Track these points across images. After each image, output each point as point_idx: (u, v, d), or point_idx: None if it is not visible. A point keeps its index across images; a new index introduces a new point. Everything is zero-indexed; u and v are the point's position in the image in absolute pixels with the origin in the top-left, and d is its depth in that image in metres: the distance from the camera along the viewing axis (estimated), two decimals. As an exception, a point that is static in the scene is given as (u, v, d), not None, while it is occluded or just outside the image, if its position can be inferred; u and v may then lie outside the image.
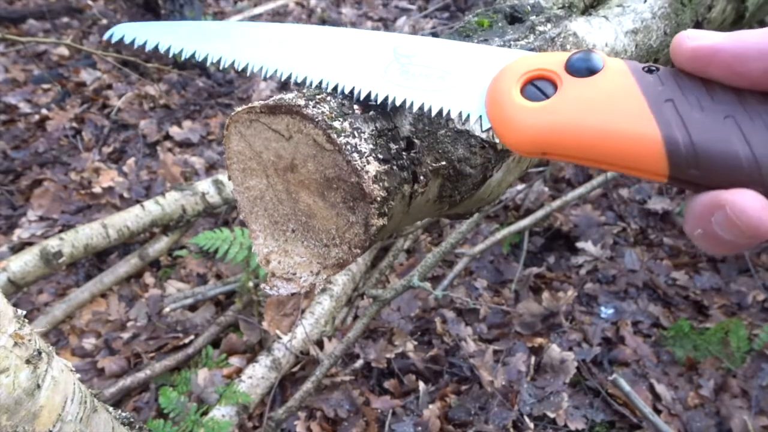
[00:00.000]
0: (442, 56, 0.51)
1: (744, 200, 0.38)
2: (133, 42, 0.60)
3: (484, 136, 0.60)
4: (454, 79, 0.50)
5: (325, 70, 0.52)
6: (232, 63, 0.56)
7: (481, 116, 0.48)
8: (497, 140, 0.62)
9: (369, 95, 0.51)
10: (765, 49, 0.38)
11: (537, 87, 0.45)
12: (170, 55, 0.59)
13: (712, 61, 0.40)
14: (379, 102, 0.51)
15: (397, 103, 0.50)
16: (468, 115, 0.49)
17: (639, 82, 0.42)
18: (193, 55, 0.57)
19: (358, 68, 0.52)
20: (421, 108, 0.50)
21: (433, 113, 0.49)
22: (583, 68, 0.44)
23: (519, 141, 0.45)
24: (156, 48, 0.58)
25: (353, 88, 0.51)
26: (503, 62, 0.49)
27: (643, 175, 0.42)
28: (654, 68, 0.43)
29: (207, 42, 0.58)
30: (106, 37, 0.63)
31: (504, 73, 0.48)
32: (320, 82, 0.52)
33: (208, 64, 0.55)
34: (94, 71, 3.93)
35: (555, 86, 0.45)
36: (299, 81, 0.53)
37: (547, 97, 0.44)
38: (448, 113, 0.49)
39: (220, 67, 0.56)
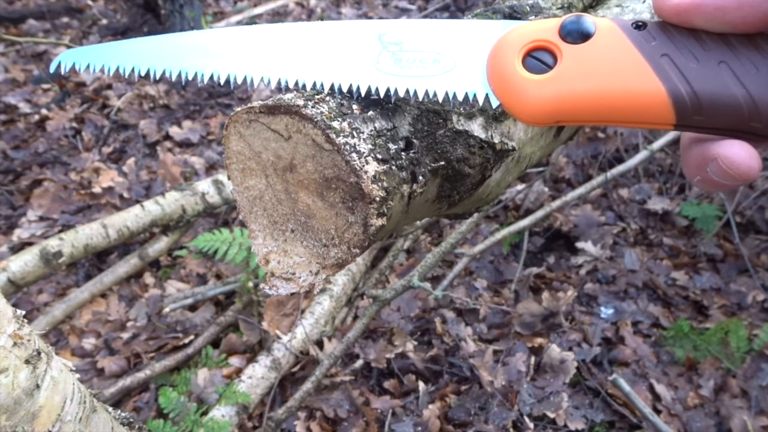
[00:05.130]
0: (431, 39, 0.50)
1: (733, 152, 0.42)
2: (88, 69, 0.55)
3: (483, 135, 0.60)
4: (450, 60, 0.49)
5: (315, 71, 0.51)
6: (211, 76, 0.52)
7: (487, 94, 0.48)
8: (499, 139, 0.62)
9: (369, 91, 0.50)
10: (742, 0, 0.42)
11: (536, 58, 0.46)
12: (135, 77, 0.54)
13: (696, 14, 0.43)
14: (381, 96, 0.50)
15: (401, 94, 0.49)
16: (474, 95, 0.48)
17: (633, 41, 0.44)
18: (163, 74, 0.52)
19: (349, 64, 0.50)
20: (426, 95, 0.49)
21: (440, 99, 0.49)
22: (576, 33, 0.45)
23: (532, 115, 0.46)
24: (117, 71, 0.54)
25: (350, 85, 0.50)
26: (494, 36, 0.48)
27: (650, 126, 0.45)
28: (641, 24, 0.45)
29: (178, 57, 0.53)
30: (52, 68, 0.57)
31: (501, 47, 0.47)
32: (314, 84, 0.50)
33: (182, 80, 0.54)
34: (93, 71, 3.94)
35: (553, 55, 0.45)
36: (290, 86, 0.51)
37: (549, 67, 0.45)
38: (454, 96, 0.49)
39: (198, 83, 0.52)
